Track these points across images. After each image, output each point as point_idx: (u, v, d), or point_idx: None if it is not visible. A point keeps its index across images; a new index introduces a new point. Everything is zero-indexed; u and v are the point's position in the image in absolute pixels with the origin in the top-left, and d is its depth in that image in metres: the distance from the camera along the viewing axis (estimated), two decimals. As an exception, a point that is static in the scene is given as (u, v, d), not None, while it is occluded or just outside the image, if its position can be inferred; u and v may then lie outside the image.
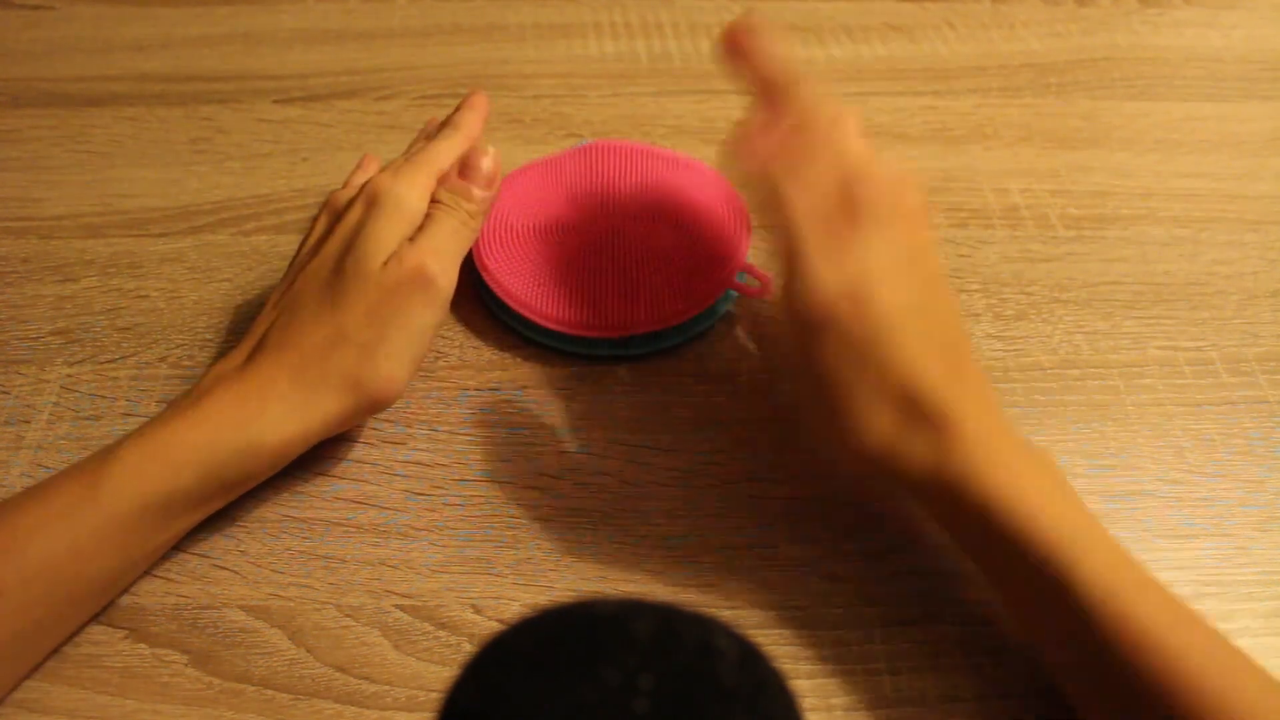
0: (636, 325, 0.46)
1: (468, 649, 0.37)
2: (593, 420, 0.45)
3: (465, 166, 0.43)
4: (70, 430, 0.43)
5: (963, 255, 0.52)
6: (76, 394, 0.45)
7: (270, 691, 0.36)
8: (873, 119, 0.60)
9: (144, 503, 0.36)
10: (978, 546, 0.36)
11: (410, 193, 0.42)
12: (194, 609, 0.38)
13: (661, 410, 0.45)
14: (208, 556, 0.39)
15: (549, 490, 0.42)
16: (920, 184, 0.40)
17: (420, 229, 0.41)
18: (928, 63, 0.64)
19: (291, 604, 0.38)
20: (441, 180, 0.43)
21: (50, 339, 0.47)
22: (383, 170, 0.44)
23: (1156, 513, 0.42)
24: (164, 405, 0.44)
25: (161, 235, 0.52)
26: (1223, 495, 0.43)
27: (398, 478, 0.42)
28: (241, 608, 0.38)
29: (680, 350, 0.47)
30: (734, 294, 0.48)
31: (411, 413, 0.44)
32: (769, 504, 0.41)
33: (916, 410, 0.35)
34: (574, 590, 0.39)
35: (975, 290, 0.50)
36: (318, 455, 0.42)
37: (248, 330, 0.42)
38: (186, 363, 0.46)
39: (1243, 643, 0.38)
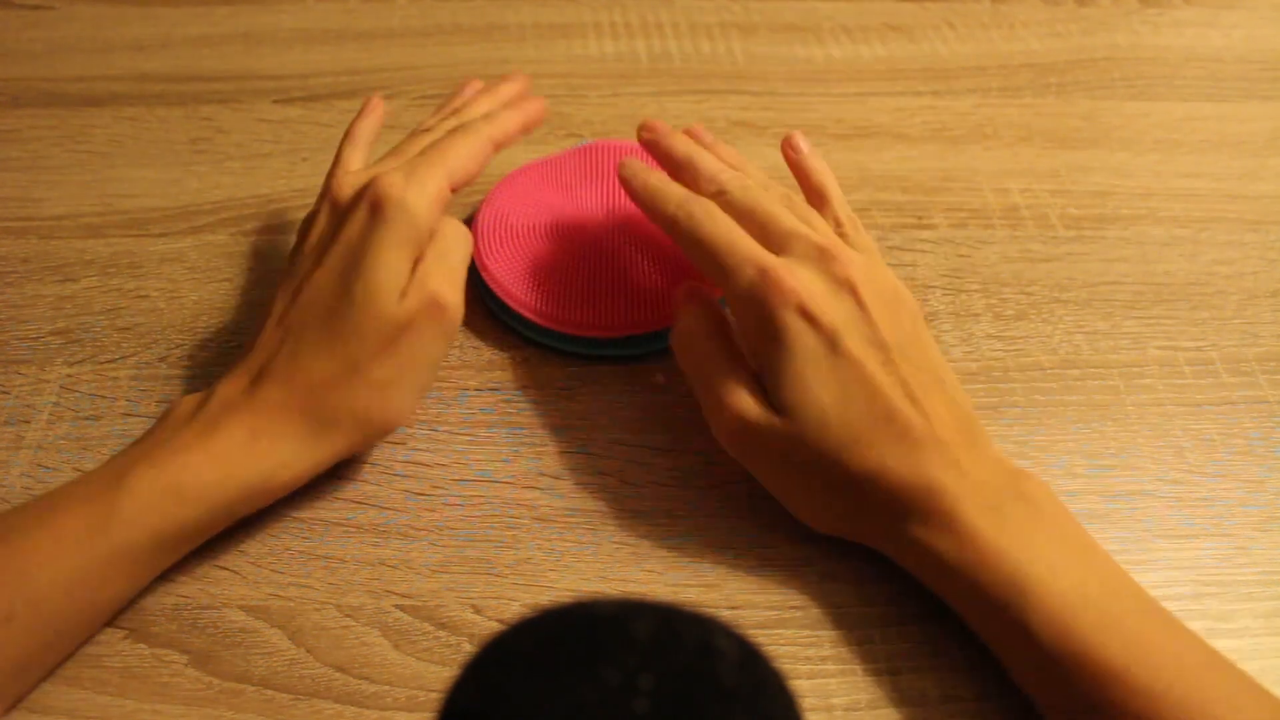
0: (636, 325, 0.46)
1: (468, 649, 0.37)
2: (593, 420, 0.45)
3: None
4: (70, 430, 0.43)
5: (962, 255, 0.52)
6: (76, 394, 0.45)
7: (270, 691, 0.36)
8: (872, 119, 0.60)
9: (154, 535, 0.36)
10: (946, 592, 0.37)
11: (421, 203, 0.40)
12: (194, 609, 0.38)
13: (661, 410, 0.45)
14: (207, 556, 0.39)
15: (549, 490, 0.42)
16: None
17: (431, 245, 0.40)
18: (927, 63, 0.64)
19: (291, 604, 0.38)
20: (457, 187, 0.42)
21: (50, 339, 0.47)
22: (392, 167, 0.42)
23: (1156, 513, 0.42)
24: (165, 406, 0.44)
25: (161, 235, 0.52)
26: (1223, 495, 0.43)
27: (398, 478, 0.42)
28: (241, 608, 0.38)
29: (680, 350, 0.47)
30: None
31: (411, 413, 0.44)
32: (769, 504, 0.41)
33: (885, 493, 0.37)
34: (574, 590, 0.39)
35: (975, 290, 0.50)
36: (318, 455, 0.42)
37: (253, 342, 0.40)
38: (186, 363, 0.46)
39: (1243, 643, 0.38)
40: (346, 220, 0.40)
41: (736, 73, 0.63)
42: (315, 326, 0.39)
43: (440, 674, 0.37)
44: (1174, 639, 0.34)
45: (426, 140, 0.44)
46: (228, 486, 0.37)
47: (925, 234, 0.53)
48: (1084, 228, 0.54)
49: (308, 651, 0.37)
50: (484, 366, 0.46)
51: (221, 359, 0.46)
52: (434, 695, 0.36)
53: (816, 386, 0.37)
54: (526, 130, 0.46)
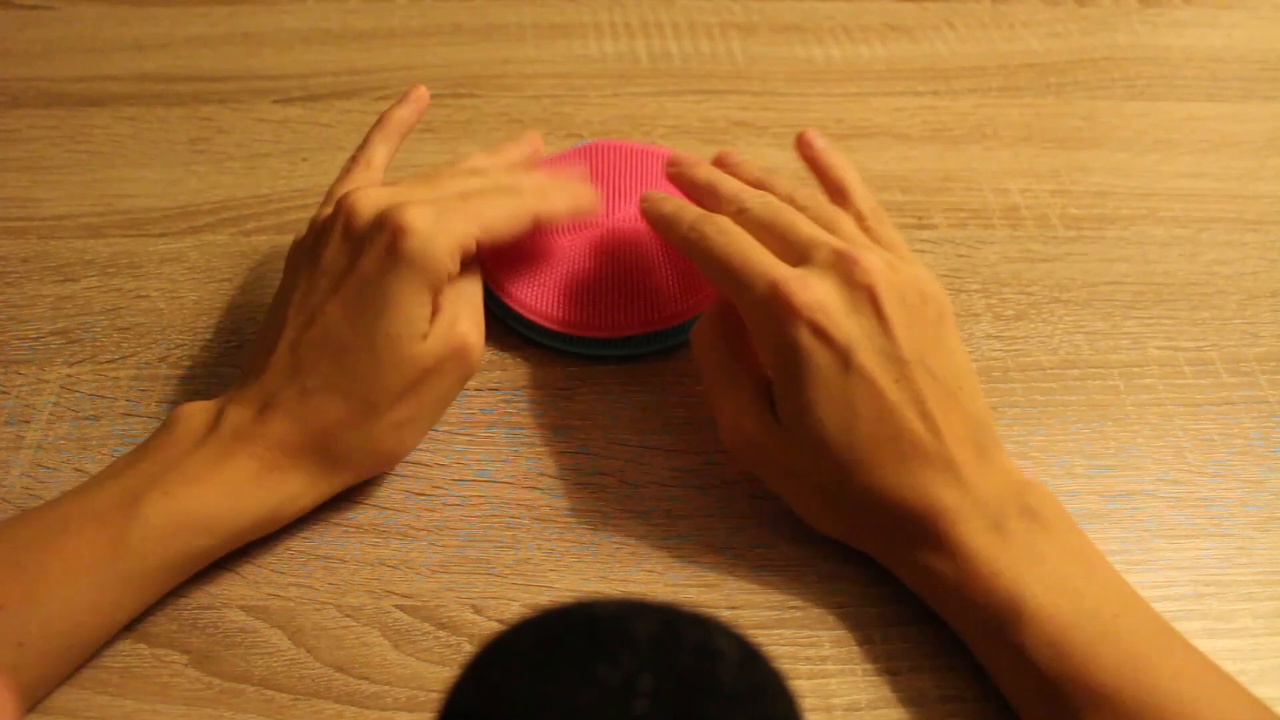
0: (636, 325, 0.46)
1: (468, 649, 0.37)
2: (593, 420, 0.45)
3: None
4: (70, 430, 0.43)
5: (962, 255, 0.52)
6: (76, 394, 0.45)
7: (270, 691, 0.36)
8: (872, 119, 0.60)
9: (165, 563, 0.36)
10: (944, 611, 0.37)
11: (444, 252, 0.38)
12: (194, 609, 0.38)
13: (661, 410, 0.45)
14: (208, 556, 0.39)
15: (549, 490, 0.42)
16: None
17: (451, 284, 0.39)
18: (927, 63, 0.64)
19: (291, 604, 0.38)
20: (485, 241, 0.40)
21: (50, 339, 0.47)
22: (422, 199, 0.39)
23: (1156, 513, 0.42)
24: (165, 406, 0.44)
25: (161, 235, 0.52)
26: (1222, 495, 0.43)
27: (397, 478, 0.42)
28: (241, 608, 0.38)
29: (680, 350, 0.47)
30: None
31: (411, 413, 0.44)
32: (769, 504, 0.41)
33: (894, 512, 0.37)
34: (574, 590, 0.39)
35: (975, 290, 0.50)
36: (318, 455, 0.42)
37: (263, 361, 0.39)
38: (187, 363, 0.46)
39: (1242, 643, 0.38)
40: (365, 249, 0.38)
41: (736, 73, 0.63)
42: (329, 363, 0.38)
43: (440, 674, 0.37)
44: (1171, 657, 0.33)
45: (471, 184, 0.42)
46: (238, 518, 0.37)
47: (925, 234, 0.53)
48: (1084, 228, 0.54)
49: (308, 651, 0.37)
50: (484, 366, 0.46)
51: (221, 359, 0.46)
52: (434, 695, 0.36)
53: (824, 407, 0.37)
54: (572, 219, 0.45)
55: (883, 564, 0.39)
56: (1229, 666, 0.34)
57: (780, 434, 0.38)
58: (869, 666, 0.37)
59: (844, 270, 0.38)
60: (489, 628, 0.38)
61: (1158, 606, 0.35)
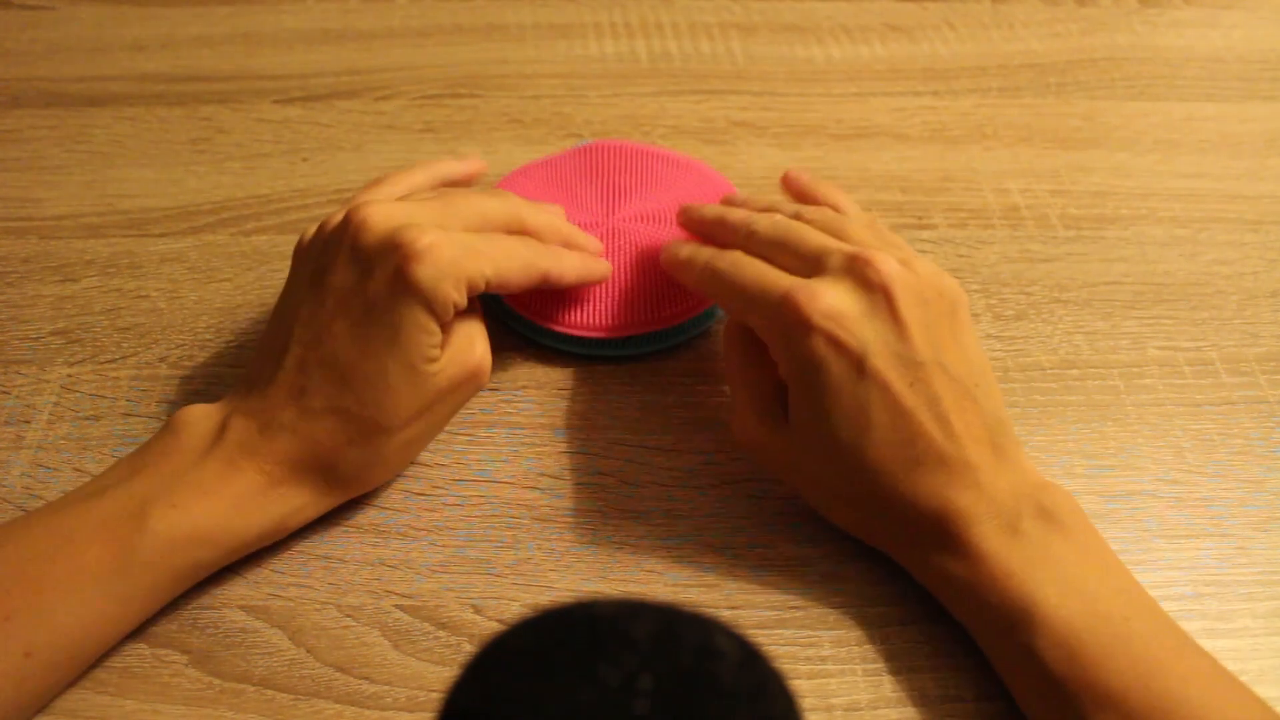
0: (636, 325, 0.46)
1: (468, 649, 0.37)
2: (593, 420, 0.45)
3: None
4: (71, 430, 0.43)
5: (962, 255, 0.52)
6: (77, 394, 0.45)
7: (270, 691, 0.36)
8: (872, 119, 0.60)
9: (172, 574, 0.36)
10: (957, 611, 0.37)
11: (453, 290, 0.37)
12: (194, 609, 0.38)
13: (661, 410, 0.45)
14: (208, 556, 0.39)
15: (549, 490, 0.42)
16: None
17: (468, 311, 0.39)
18: (927, 63, 0.64)
19: (291, 604, 0.38)
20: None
21: (50, 339, 0.47)
22: (433, 223, 0.38)
23: (1156, 513, 0.42)
24: (165, 406, 0.44)
25: (162, 235, 0.52)
26: (1222, 495, 0.43)
27: (398, 477, 0.42)
28: (241, 608, 0.38)
29: (680, 350, 0.47)
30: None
31: (411, 413, 0.44)
32: (769, 504, 0.41)
33: (921, 520, 0.37)
34: (574, 590, 0.39)
35: (975, 290, 0.50)
36: (318, 455, 0.42)
37: (270, 371, 0.39)
38: (187, 363, 0.46)
39: (1242, 642, 0.38)
40: (373, 270, 0.37)
41: (736, 73, 0.63)
42: (337, 385, 0.38)
43: (440, 674, 0.37)
44: (1181, 661, 0.33)
45: (490, 213, 0.41)
46: (244, 531, 0.37)
47: (925, 234, 0.53)
48: (1084, 228, 0.54)
49: (308, 651, 0.37)
50: (484, 366, 0.46)
51: (221, 359, 0.46)
52: (434, 695, 0.36)
53: (837, 413, 0.37)
54: (579, 284, 0.44)
55: (897, 561, 0.39)
56: (1229, 666, 0.34)
57: (792, 437, 0.38)
58: (869, 666, 0.37)
59: (858, 272, 0.38)
60: (489, 628, 0.38)
61: (1157, 606, 0.35)
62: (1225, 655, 0.35)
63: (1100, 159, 0.58)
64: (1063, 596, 0.34)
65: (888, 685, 0.37)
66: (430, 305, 0.37)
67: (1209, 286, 0.51)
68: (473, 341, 0.40)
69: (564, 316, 0.46)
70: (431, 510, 0.41)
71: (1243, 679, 0.34)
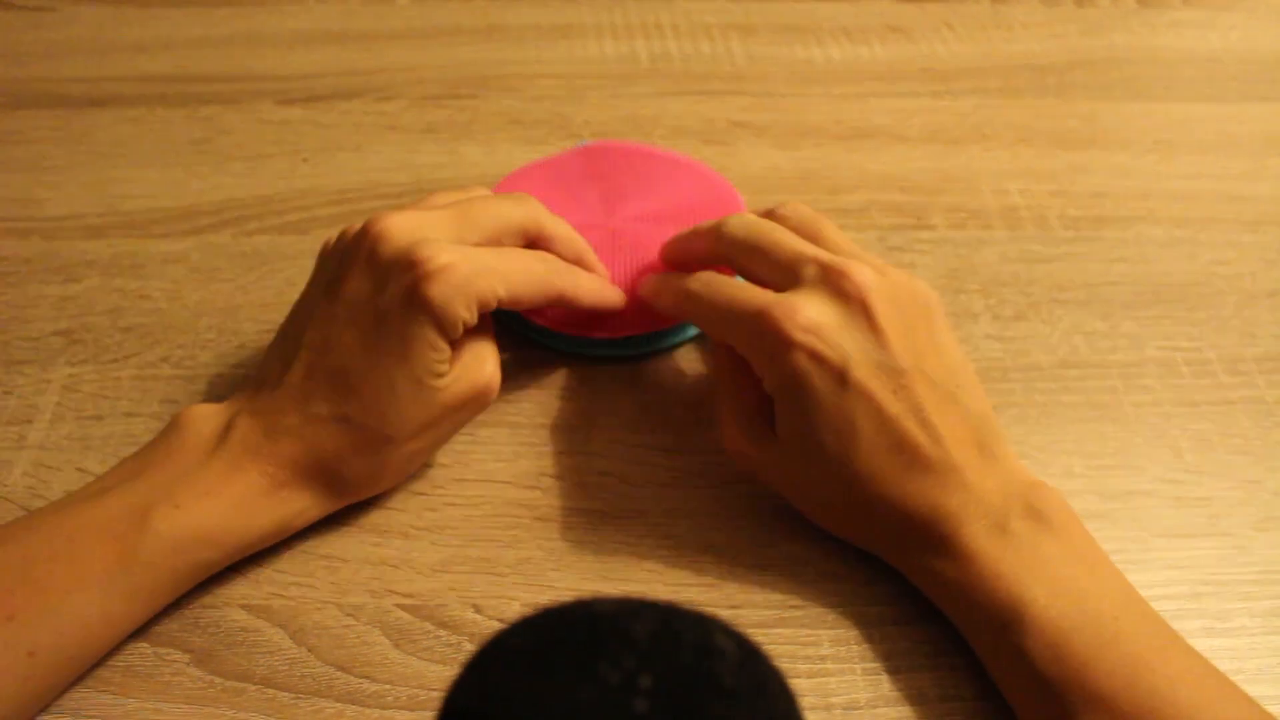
0: (636, 325, 0.46)
1: (469, 648, 0.37)
2: (593, 420, 0.45)
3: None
4: (73, 430, 0.44)
5: (961, 256, 0.52)
6: (79, 394, 0.45)
7: (271, 690, 0.36)
8: (872, 120, 0.60)
9: (175, 575, 0.36)
10: (950, 612, 0.38)
11: (464, 310, 0.37)
12: (195, 608, 0.38)
13: (661, 410, 0.45)
14: (210, 556, 0.39)
15: (549, 490, 0.42)
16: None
17: (478, 326, 0.39)
18: (927, 64, 0.64)
19: (293, 603, 0.39)
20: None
21: (53, 339, 0.47)
22: (450, 239, 0.38)
23: (1154, 512, 0.42)
24: (167, 406, 0.44)
25: (163, 236, 0.52)
26: (1220, 495, 0.43)
27: (399, 478, 0.42)
28: (243, 607, 0.38)
29: (680, 350, 0.47)
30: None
31: (412, 413, 0.44)
32: (769, 503, 0.41)
33: (910, 522, 0.37)
34: (574, 590, 0.39)
35: (974, 291, 0.50)
36: (319, 455, 0.42)
37: (275, 378, 0.39)
38: (189, 363, 0.46)
39: (1240, 641, 0.38)
40: (387, 283, 0.37)
41: (736, 74, 0.63)
42: (344, 394, 0.38)
43: (441, 673, 0.37)
44: (1170, 661, 0.33)
45: (507, 220, 0.41)
46: (246, 533, 0.37)
47: (924, 234, 0.53)
48: (1082, 228, 0.54)
49: (309, 650, 0.37)
50: (485, 367, 0.46)
51: (223, 359, 0.46)
52: (435, 694, 0.36)
53: (823, 426, 0.37)
54: (591, 309, 0.44)
55: (891, 565, 0.39)
56: (1226, 665, 0.34)
57: (779, 450, 0.39)
58: (868, 665, 0.37)
59: (834, 283, 0.38)
60: (490, 627, 0.38)
61: (1155, 606, 0.35)
62: (1223, 654, 0.36)
63: (1099, 160, 0.58)
64: (1051, 596, 0.34)
65: (887, 684, 0.37)
66: (440, 324, 0.37)
67: (1207, 287, 0.51)
68: (482, 360, 0.39)
69: (564, 316, 0.46)
70: (432, 510, 0.42)
71: (1240, 678, 0.34)
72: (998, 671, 0.36)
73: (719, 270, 0.43)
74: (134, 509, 0.36)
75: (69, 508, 0.36)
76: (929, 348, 0.38)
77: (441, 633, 0.38)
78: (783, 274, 0.39)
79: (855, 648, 0.38)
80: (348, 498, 0.40)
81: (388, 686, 0.37)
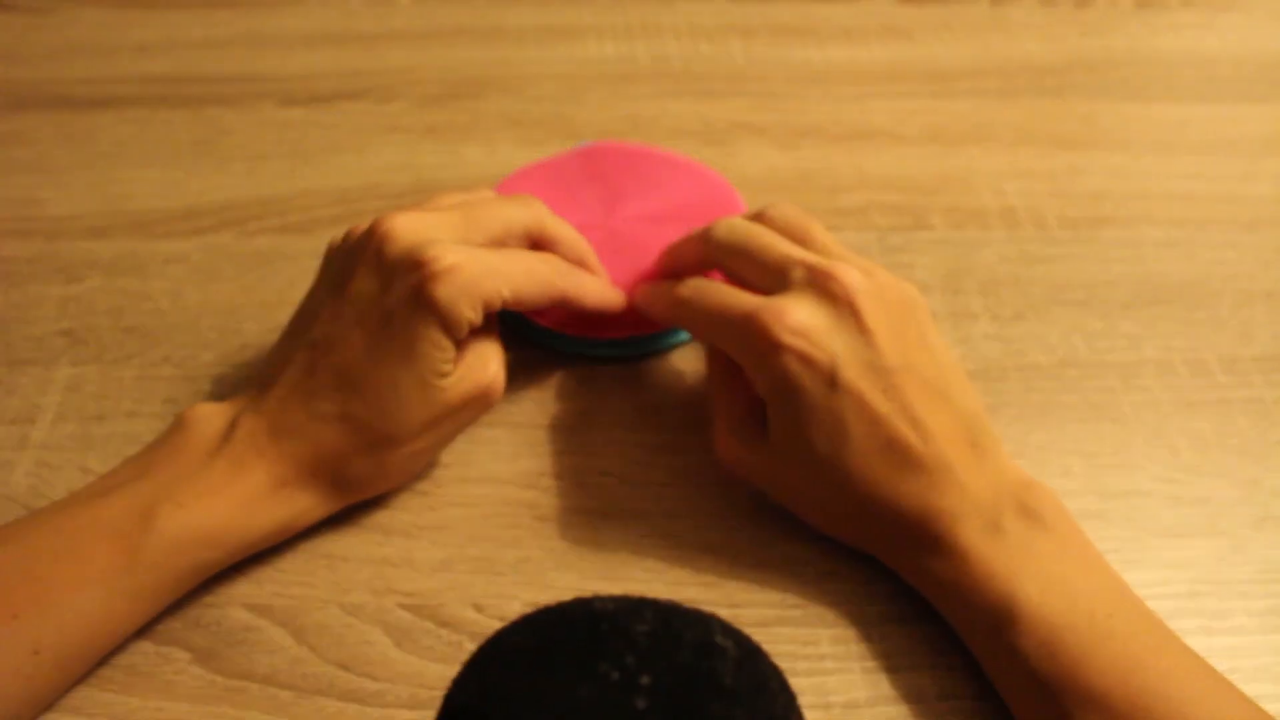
0: (636, 325, 0.46)
1: (469, 647, 0.38)
2: (593, 420, 0.45)
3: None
4: (75, 430, 0.44)
5: (960, 256, 0.52)
6: (81, 394, 0.45)
7: (273, 689, 0.36)
8: (871, 120, 0.60)
9: (178, 574, 0.37)
10: (945, 611, 0.38)
11: (469, 310, 0.37)
12: (198, 607, 0.38)
13: (661, 410, 0.45)
14: (212, 555, 0.40)
15: (549, 490, 0.42)
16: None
17: (483, 327, 0.39)
18: (925, 65, 0.65)
19: (294, 602, 0.39)
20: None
21: (55, 339, 0.47)
22: (457, 240, 0.38)
23: (1152, 512, 0.42)
24: (169, 406, 0.44)
25: (165, 236, 0.52)
26: (1218, 494, 0.43)
27: (400, 477, 0.43)
28: (244, 606, 0.39)
29: (679, 350, 0.48)
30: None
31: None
32: (769, 504, 0.42)
33: (901, 521, 0.37)
34: (575, 589, 0.39)
35: (972, 291, 0.51)
36: (320, 455, 0.42)
37: (279, 377, 0.39)
38: (190, 363, 0.46)
39: (1237, 640, 0.38)
40: (392, 283, 0.37)
41: (736, 75, 0.63)
42: (347, 394, 0.38)
43: (442, 672, 0.37)
44: (1163, 658, 0.33)
45: (513, 221, 0.41)
46: (249, 533, 0.37)
47: (923, 235, 0.53)
48: (1081, 229, 0.54)
49: (310, 649, 0.38)
50: (485, 367, 0.47)
51: (224, 360, 0.47)
52: (436, 693, 0.36)
53: (814, 428, 0.37)
54: (594, 310, 0.44)
55: (887, 565, 0.39)
56: (1224, 664, 0.34)
57: (773, 453, 0.39)
58: (868, 664, 0.38)
59: (821, 286, 0.38)
60: (491, 626, 0.38)
61: (1153, 605, 0.35)
62: (1221, 653, 0.36)
63: (1097, 160, 0.58)
64: (1044, 594, 0.34)
65: (886, 683, 0.37)
66: (445, 324, 0.37)
67: (1205, 287, 0.51)
68: (486, 360, 0.40)
69: (564, 316, 0.46)
70: (433, 509, 0.42)
71: (1237, 677, 0.34)
72: (993, 670, 0.36)
73: (712, 276, 0.43)
74: (138, 508, 0.36)
75: (72, 507, 0.36)
76: (918, 347, 0.38)
77: (442, 631, 0.38)
78: (771, 277, 0.40)
79: (854, 647, 0.38)
80: (351, 497, 0.40)
81: (389, 685, 0.37)
